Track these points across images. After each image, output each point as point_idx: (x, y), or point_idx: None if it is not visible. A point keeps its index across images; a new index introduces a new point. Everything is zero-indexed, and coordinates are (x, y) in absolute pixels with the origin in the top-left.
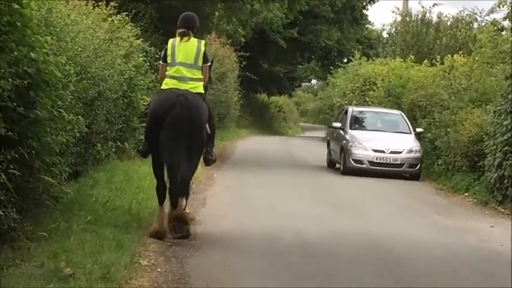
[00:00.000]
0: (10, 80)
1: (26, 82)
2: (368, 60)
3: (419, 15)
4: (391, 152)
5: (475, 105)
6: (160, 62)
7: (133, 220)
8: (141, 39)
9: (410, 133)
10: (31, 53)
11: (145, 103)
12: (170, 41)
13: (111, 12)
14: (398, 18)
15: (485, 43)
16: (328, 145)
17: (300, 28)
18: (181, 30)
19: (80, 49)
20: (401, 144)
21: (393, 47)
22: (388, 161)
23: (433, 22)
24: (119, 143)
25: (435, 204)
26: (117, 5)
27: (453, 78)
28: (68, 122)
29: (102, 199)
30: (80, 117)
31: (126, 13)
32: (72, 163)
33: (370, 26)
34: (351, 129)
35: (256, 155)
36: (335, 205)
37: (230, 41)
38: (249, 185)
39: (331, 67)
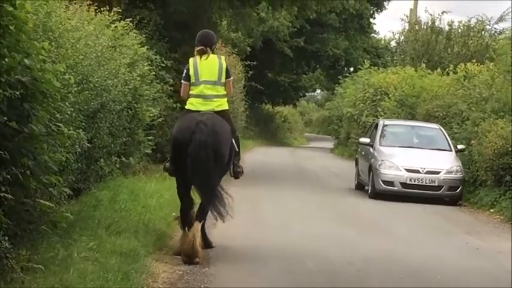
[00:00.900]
0: (1, 90)
1: (19, 93)
2: (377, 69)
3: (429, 23)
4: (428, 172)
5: (498, 116)
6: (183, 81)
7: (140, 245)
8: (146, 47)
9: (451, 150)
10: (25, 60)
11: (151, 114)
12: (191, 60)
13: (114, 18)
14: (407, 27)
15: (507, 50)
16: (356, 164)
17: (306, 37)
18: (199, 48)
19: (81, 57)
20: (440, 163)
21: (402, 56)
22: (423, 183)
23: (444, 30)
24: (123, 158)
25: (461, 222)
26: (120, 11)
27: (472, 88)
28: (67, 137)
29: (106, 221)
30: (80, 131)
31: (130, 19)
32: (73, 181)
33: (375, 35)
34: (380, 145)
35: (266, 168)
36: (356, 225)
37: (236, 49)
38: (262, 203)
39: (339, 76)
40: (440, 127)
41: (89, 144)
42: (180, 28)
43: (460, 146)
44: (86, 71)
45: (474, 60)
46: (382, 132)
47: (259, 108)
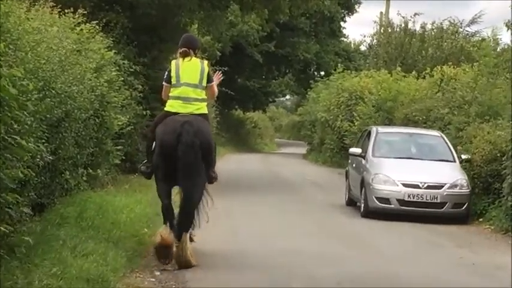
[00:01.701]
0: None
1: None
2: (350, 73)
3: (402, 26)
4: (429, 187)
5: (483, 120)
6: (164, 82)
7: (109, 269)
8: (113, 51)
9: (454, 161)
10: None
11: (119, 123)
12: (173, 62)
13: (79, 21)
14: (380, 29)
15: (489, 52)
16: (347, 177)
17: (277, 41)
18: (182, 50)
19: (42, 61)
20: (442, 176)
21: (375, 59)
22: (424, 199)
23: (417, 33)
24: (90, 170)
25: (451, 234)
26: (85, 12)
27: (453, 91)
28: (27, 150)
29: (71, 242)
30: (41, 143)
31: (96, 22)
32: (35, 196)
33: (345, 39)
34: (374, 156)
35: (240, 177)
36: (342, 240)
37: (206, 54)
38: (240, 216)
39: (311, 81)
40: (442, 135)
41: (50, 157)
42: (148, 32)
43: (464, 156)
44: (48, 77)
45: (450, 63)
46: (375, 141)
47: (230, 114)
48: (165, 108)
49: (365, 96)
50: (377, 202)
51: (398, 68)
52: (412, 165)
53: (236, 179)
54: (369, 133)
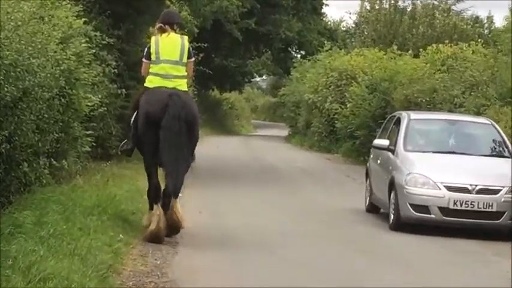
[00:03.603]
0: None
1: None
2: (339, 51)
3: (392, 2)
4: (481, 192)
5: (505, 102)
6: (143, 59)
7: None
8: (83, 20)
9: (510, 156)
10: None
11: (89, 103)
12: (153, 38)
13: None
14: (368, 6)
15: (509, 28)
16: (368, 176)
17: (257, 18)
18: (158, 26)
19: None
20: (498, 177)
21: (362, 38)
22: (475, 207)
23: (407, 9)
24: (54, 161)
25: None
26: None
27: (462, 70)
28: None
29: (25, 259)
30: None
31: None
32: None
33: (324, 19)
34: (406, 150)
35: (222, 163)
36: (369, 254)
37: (185, 31)
38: (228, 211)
39: (293, 60)
40: (493, 123)
41: (3, 146)
42: (123, 1)
43: None
44: (3, 45)
45: (446, 41)
46: (407, 130)
47: (207, 95)
48: (145, 84)
49: (358, 76)
50: (412, 210)
51: (395, 46)
52: (458, 162)
53: (218, 167)
54: (398, 120)
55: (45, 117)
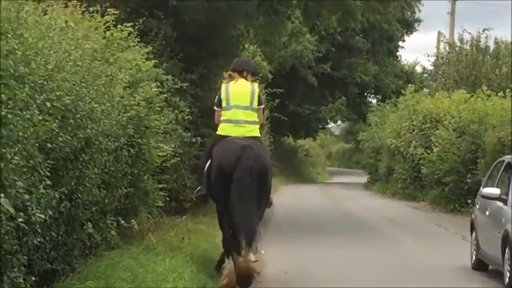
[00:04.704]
0: None
1: None
2: (424, 93)
3: (473, 42)
4: None
5: None
6: (215, 107)
7: None
8: (153, 62)
9: None
10: None
11: (161, 153)
12: (223, 85)
13: (109, 22)
14: (446, 47)
15: None
16: (474, 229)
17: (332, 62)
18: (228, 73)
19: (50, 66)
20: None
21: (443, 79)
22: None
23: (489, 49)
24: (121, 221)
25: None
26: (118, 17)
27: None
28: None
29: None
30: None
31: (131, 24)
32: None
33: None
34: None
35: (303, 214)
36: None
37: (256, 78)
38: (318, 271)
39: (371, 104)
40: None
41: (64, 204)
42: (196, 43)
43: None
44: (55, 87)
45: None
46: None
47: (281, 142)
48: (217, 132)
49: (444, 119)
50: None
51: (484, 87)
52: None
53: (299, 218)
54: (509, 166)
55: (111, 170)
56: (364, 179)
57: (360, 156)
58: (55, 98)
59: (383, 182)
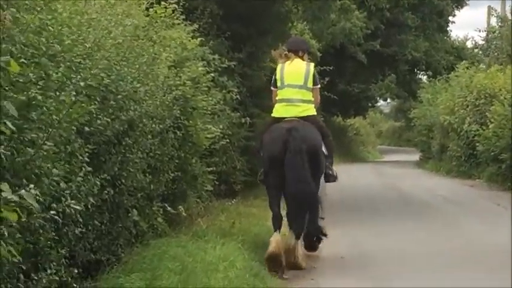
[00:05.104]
0: None
1: None
2: (476, 69)
3: None
4: None
5: None
6: (272, 87)
7: None
8: (199, 39)
9: None
10: None
11: (209, 135)
12: (278, 65)
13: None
14: (497, 21)
15: None
16: None
17: (381, 39)
18: (284, 53)
19: (87, 44)
20: None
21: (496, 54)
22: None
23: None
24: (168, 207)
25: None
26: None
27: None
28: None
29: None
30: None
31: (176, 1)
32: (87, 249)
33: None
34: None
35: (356, 194)
36: None
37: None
38: (376, 256)
39: (421, 81)
40: None
41: (109, 190)
42: (244, 21)
43: None
44: (99, 68)
45: None
46: None
47: (331, 121)
48: (272, 114)
49: (499, 94)
50: None
51: None
52: None
53: (353, 199)
54: None
55: (157, 154)
56: (415, 157)
57: (411, 134)
58: (90, 76)
59: (436, 160)
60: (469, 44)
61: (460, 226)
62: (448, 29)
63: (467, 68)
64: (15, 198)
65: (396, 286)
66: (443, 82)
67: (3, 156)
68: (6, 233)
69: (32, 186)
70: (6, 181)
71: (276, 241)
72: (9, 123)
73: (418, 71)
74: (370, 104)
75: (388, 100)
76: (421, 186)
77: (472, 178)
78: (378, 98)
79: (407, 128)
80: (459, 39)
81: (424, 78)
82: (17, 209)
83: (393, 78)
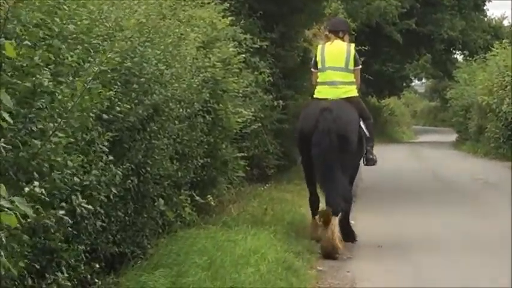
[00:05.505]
0: None
1: None
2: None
3: None
4: None
5: None
6: (312, 68)
7: None
8: (230, 19)
9: None
10: None
11: (240, 118)
12: (318, 47)
13: None
14: None
15: None
16: None
17: (417, 18)
18: (324, 34)
19: (108, 24)
20: None
21: None
22: None
23: None
24: (196, 197)
25: None
26: None
27: None
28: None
29: None
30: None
31: None
32: (106, 243)
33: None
34: None
35: (392, 177)
36: None
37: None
38: (415, 246)
39: (458, 60)
40: None
41: (134, 178)
42: (276, 0)
43: None
44: (123, 50)
45: None
46: None
47: (366, 102)
48: (314, 95)
49: None
50: None
51: None
52: None
53: (389, 182)
54: None
55: (185, 139)
56: (450, 137)
57: (446, 114)
58: (107, 59)
59: (473, 141)
60: (505, 23)
61: (502, 212)
62: (484, 7)
63: (504, 48)
64: (7, 204)
65: (437, 275)
66: (480, 62)
67: (3, 151)
68: (4, 240)
69: (36, 184)
70: (8, 178)
71: (314, 227)
72: (5, 115)
73: (454, 51)
74: (404, 84)
75: (423, 80)
76: (459, 169)
77: (509, 160)
78: (413, 78)
79: (442, 108)
80: (496, 18)
81: (460, 57)
82: (17, 213)
83: (428, 58)
